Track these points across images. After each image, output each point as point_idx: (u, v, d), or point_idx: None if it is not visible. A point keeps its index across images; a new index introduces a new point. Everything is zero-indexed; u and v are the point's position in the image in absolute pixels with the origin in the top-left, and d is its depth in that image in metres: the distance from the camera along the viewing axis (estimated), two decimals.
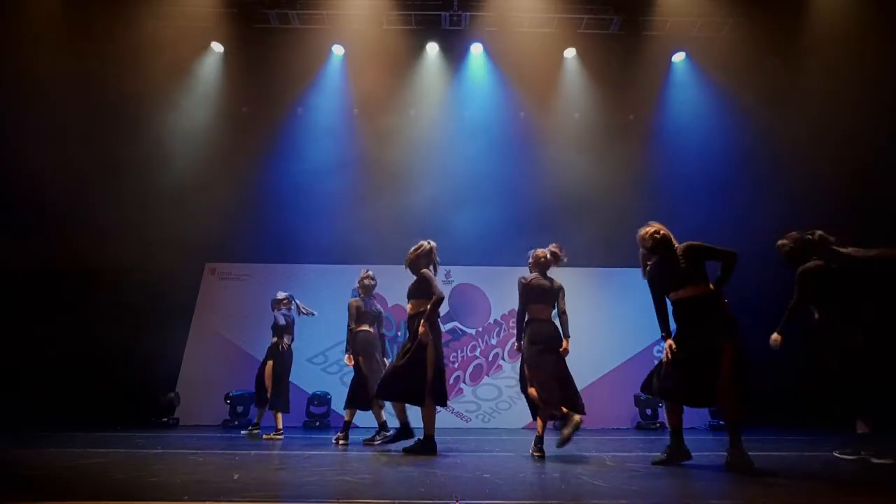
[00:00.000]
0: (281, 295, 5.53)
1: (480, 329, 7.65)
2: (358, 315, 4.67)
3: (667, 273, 2.95)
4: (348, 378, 4.65)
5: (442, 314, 7.52)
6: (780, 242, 3.57)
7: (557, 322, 3.74)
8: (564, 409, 3.38)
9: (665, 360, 2.88)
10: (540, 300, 3.71)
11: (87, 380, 6.46)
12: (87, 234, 6.65)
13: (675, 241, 3.01)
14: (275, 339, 5.33)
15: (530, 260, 3.90)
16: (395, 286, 6.24)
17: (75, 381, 6.45)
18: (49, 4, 6.74)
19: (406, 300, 3.88)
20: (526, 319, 3.70)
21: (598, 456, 3.29)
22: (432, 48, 7.83)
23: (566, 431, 3.27)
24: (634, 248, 3.21)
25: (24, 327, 6.39)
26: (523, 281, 3.77)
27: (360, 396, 4.44)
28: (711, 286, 2.85)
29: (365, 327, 4.67)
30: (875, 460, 3.04)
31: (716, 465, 2.78)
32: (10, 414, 5.64)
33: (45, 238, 6.62)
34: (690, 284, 2.84)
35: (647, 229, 3.05)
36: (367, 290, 4.84)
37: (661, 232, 2.99)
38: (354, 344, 4.59)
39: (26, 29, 6.61)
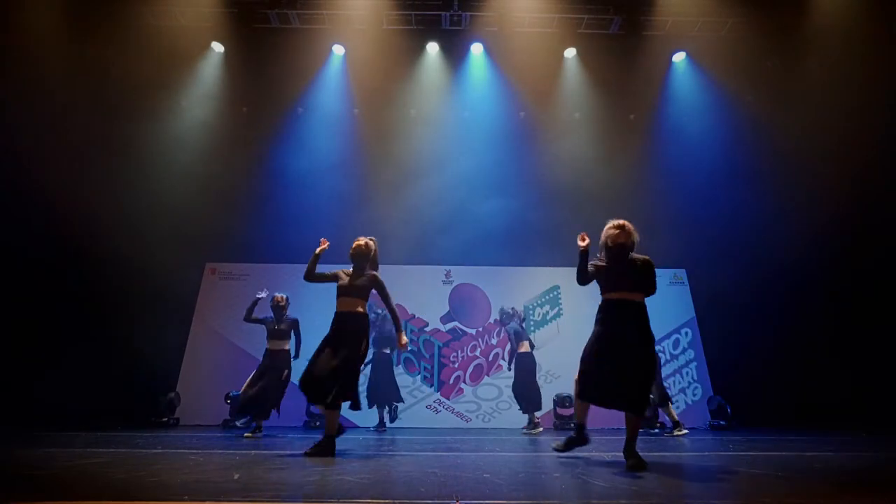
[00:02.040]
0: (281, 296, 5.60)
1: (480, 329, 7.64)
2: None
3: (616, 272, 3.00)
4: None
5: (442, 314, 7.61)
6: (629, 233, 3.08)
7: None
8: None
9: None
10: (523, 340, 6.23)
11: (87, 379, 6.46)
12: (88, 235, 6.66)
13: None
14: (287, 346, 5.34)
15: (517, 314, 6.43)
16: (394, 287, 6.23)
17: (76, 381, 6.45)
18: (49, 5, 6.75)
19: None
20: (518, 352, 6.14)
21: (598, 456, 3.29)
22: (432, 48, 7.83)
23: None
24: (634, 248, 3.10)
25: (24, 327, 6.40)
26: (511, 331, 6.23)
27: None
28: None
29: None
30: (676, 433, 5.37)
31: (716, 466, 2.78)
32: (11, 414, 5.65)
33: (45, 238, 6.63)
34: (637, 291, 2.95)
35: (618, 234, 3.01)
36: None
37: (623, 240, 2.99)
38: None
39: (27, 30, 6.61)
